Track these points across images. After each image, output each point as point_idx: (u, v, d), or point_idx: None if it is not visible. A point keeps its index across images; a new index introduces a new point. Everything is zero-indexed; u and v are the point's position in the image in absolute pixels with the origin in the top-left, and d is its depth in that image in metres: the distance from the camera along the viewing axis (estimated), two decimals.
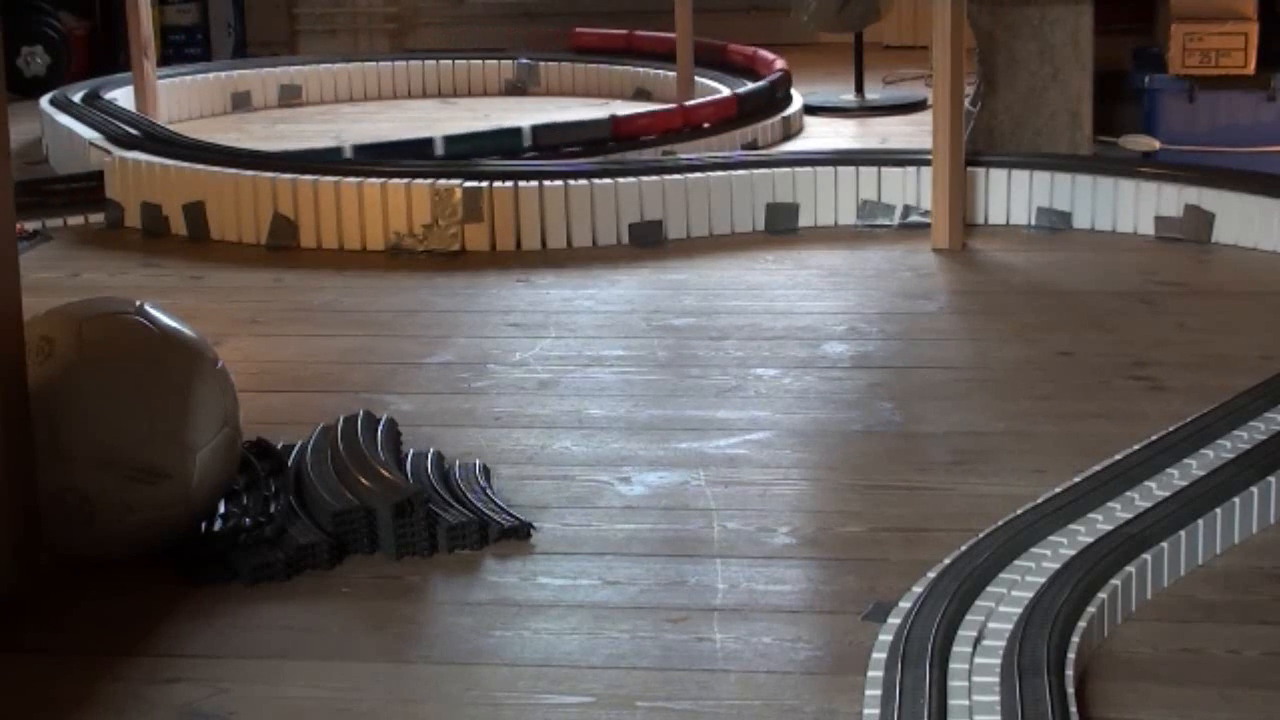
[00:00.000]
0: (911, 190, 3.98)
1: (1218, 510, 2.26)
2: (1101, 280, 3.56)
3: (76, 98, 5.13)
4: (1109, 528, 2.23)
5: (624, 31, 6.00)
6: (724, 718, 1.89)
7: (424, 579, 2.24)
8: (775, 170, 4.04)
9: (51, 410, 2.20)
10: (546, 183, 3.90)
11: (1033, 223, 3.95)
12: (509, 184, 3.89)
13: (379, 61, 6.12)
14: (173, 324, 2.34)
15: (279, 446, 2.55)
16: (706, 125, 4.81)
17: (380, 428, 2.61)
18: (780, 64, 5.36)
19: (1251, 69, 4.42)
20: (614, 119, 4.69)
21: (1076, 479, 2.40)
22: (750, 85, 5.20)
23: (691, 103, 4.98)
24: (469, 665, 2.02)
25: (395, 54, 6.44)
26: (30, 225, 4.10)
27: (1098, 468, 2.44)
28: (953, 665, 1.91)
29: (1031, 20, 4.28)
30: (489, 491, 2.47)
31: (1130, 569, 2.12)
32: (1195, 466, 2.41)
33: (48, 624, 2.15)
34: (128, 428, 2.22)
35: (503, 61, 6.06)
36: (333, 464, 2.46)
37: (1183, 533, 2.21)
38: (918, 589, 2.10)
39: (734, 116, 4.90)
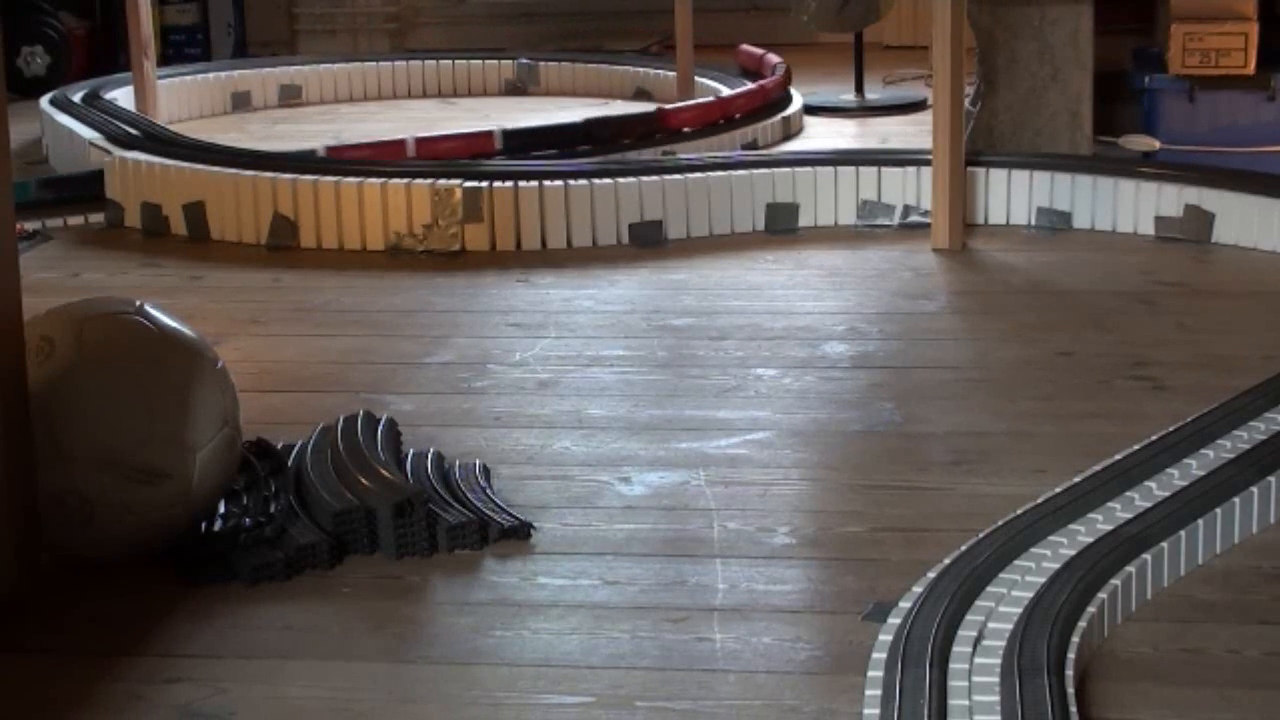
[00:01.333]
0: (911, 190, 3.98)
1: (1218, 510, 2.26)
2: (1101, 280, 3.56)
3: (76, 98, 5.13)
4: (1109, 528, 2.23)
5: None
6: (724, 718, 1.89)
7: (424, 579, 2.24)
8: (775, 170, 4.04)
9: (51, 410, 2.20)
10: (546, 183, 3.90)
11: (1033, 223, 3.95)
12: (509, 184, 3.89)
13: (379, 61, 6.12)
14: (173, 324, 2.34)
15: (279, 446, 2.55)
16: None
17: (380, 428, 2.61)
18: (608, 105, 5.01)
19: (1251, 69, 4.42)
20: (328, 149, 4.41)
21: (1076, 479, 2.40)
22: (502, 127, 4.71)
23: (420, 136, 4.53)
24: (469, 665, 2.02)
25: (395, 54, 6.44)
26: (30, 225, 4.10)
27: (1098, 468, 2.44)
28: (953, 665, 1.91)
29: (1031, 20, 4.28)
30: (489, 491, 2.47)
31: (1130, 569, 2.12)
32: (1195, 466, 2.41)
33: (48, 624, 2.15)
34: (128, 428, 2.22)
35: (503, 61, 6.06)
36: (333, 464, 2.46)
37: (1183, 533, 2.21)
38: (918, 589, 2.10)
39: (491, 151, 4.48)
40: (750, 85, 5.15)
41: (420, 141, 4.46)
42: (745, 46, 5.77)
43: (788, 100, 5.19)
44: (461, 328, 3.34)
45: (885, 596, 2.12)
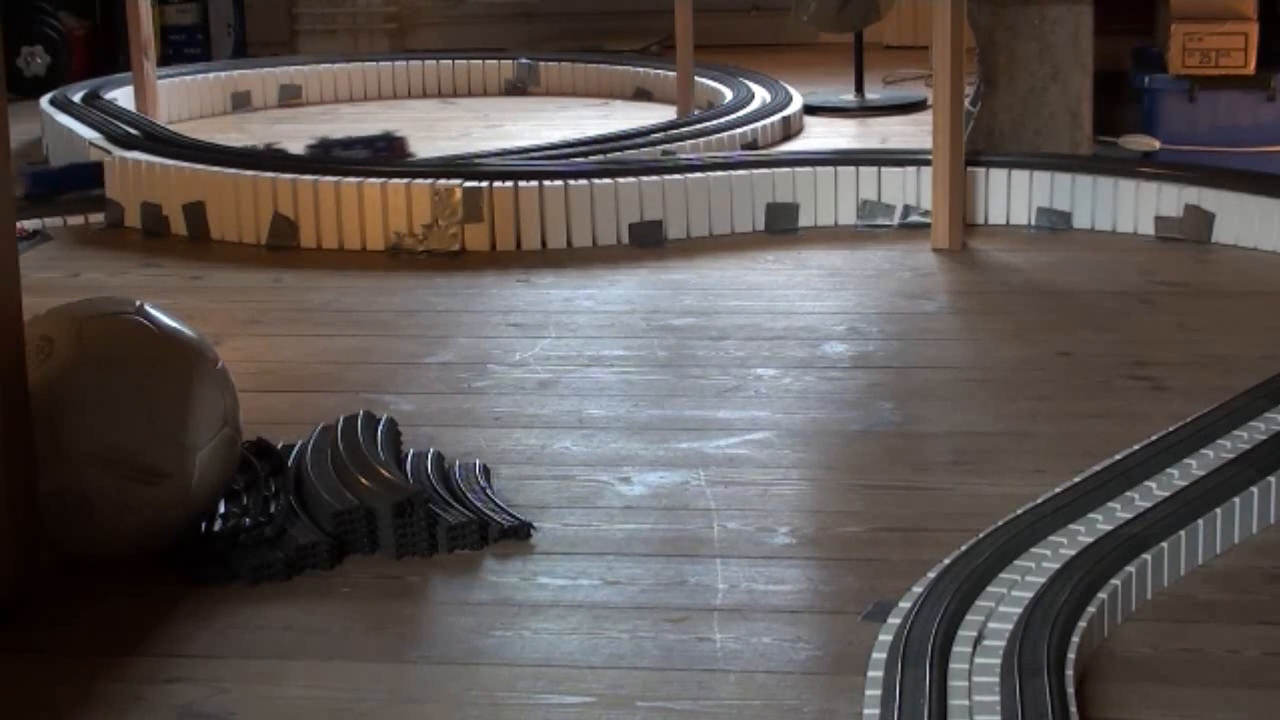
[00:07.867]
0: (911, 190, 3.98)
1: (1218, 510, 2.26)
2: (1101, 280, 3.56)
3: (76, 98, 5.13)
4: (1109, 528, 2.23)
5: None
6: (724, 718, 1.89)
7: (424, 579, 2.24)
8: (775, 170, 4.04)
9: (51, 410, 2.20)
10: (546, 183, 3.90)
11: (1033, 223, 3.95)
12: (509, 184, 3.89)
13: (379, 61, 6.12)
14: (173, 324, 2.34)
15: (279, 446, 2.55)
16: None
17: (380, 428, 2.61)
18: None
19: (1251, 69, 4.43)
20: None
21: (1076, 479, 2.40)
22: None
23: None
24: (469, 665, 2.02)
25: (395, 54, 6.44)
26: (30, 225, 4.10)
27: (1098, 468, 2.44)
28: (953, 665, 1.91)
29: (1031, 20, 4.28)
30: (489, 491, 2.47)
31: (1130, 569, 2.12)
32: (1195, 466, 2.41)
33: (48, 624, 2.14)
34: (128, 428, 2.22)
35: (503, 61, 6.06)
36: (333, 464, 2.46)
37: (1183, 533, 2.21)
38: (918, 589, 2.10)
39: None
40: None
41: None
42: None
43: None
44: (461, 328, 3.34)
45: (885, 596, 2.12)
